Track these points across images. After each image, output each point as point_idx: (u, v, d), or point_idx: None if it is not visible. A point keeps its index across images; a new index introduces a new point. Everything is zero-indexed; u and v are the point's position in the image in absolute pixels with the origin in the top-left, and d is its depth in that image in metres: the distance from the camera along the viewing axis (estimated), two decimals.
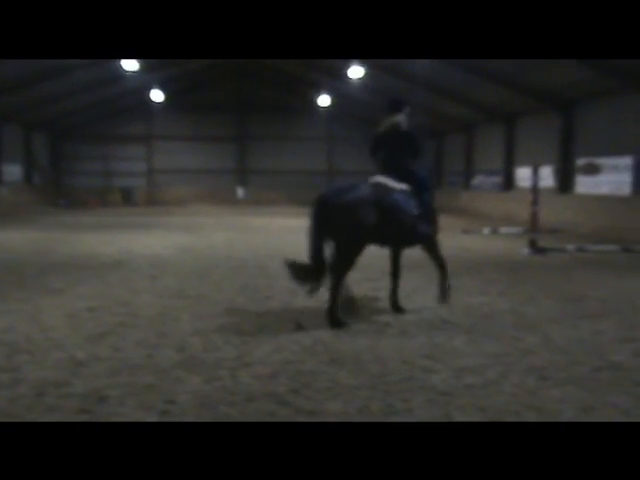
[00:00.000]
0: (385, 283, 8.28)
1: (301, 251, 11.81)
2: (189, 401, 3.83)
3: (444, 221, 15.36)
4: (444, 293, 6.79)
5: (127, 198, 33.55)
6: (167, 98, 31.72)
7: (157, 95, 30.73)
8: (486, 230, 16.76)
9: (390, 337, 5.45)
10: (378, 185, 6.12)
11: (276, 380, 4.25)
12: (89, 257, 10.86)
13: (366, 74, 23.14)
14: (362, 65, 22.24)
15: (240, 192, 35.05)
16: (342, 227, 5.79)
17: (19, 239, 13.86)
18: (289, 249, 12.29)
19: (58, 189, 32.46)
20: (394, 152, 6.48)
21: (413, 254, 11.57)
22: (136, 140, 34.43)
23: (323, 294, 6.14)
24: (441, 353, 4.96)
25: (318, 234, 5.88)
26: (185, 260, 10.56)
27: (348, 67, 22.73)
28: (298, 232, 14.82)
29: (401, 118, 6.54)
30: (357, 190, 5.91)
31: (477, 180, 27.70)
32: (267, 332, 5.60)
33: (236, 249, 12.26)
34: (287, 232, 16.39)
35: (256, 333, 5.55)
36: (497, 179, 25.37)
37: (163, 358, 4.75)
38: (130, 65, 22.58)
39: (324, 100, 31.63)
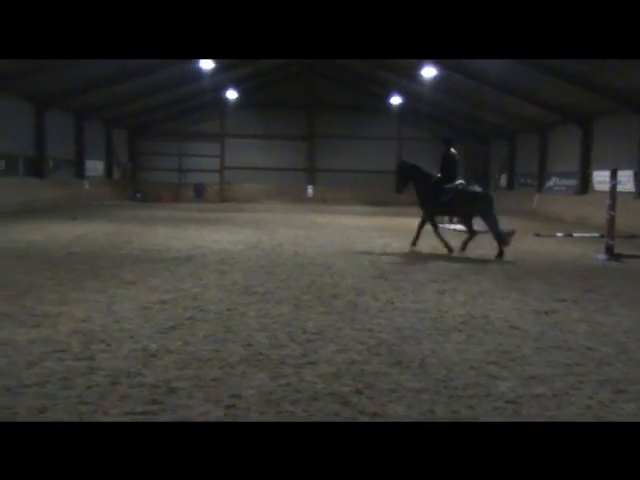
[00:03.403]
0: (452, 285, 8.18)
1: (368, 250, 11.87)
2: (254, 397, 3.90)
3: (515, 224, 14.96)
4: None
5: (199, 194, 34.40)
6: (240, 96, 32.34)
7: (230, 93, 31.40)
8: (559, 234, 16.26)
9: (456, 342, 5.38)
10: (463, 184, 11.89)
11: (340, 380, 4.27)
12: (161, 251, 11.20)
13: (438, 74, 22.89)
14: (435, 65, 21.99)
15: (309, 190, 35.30)
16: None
17: (97, 231, 14.44)
18: (356, 248, 12.29)
19: (134, 184, 33.63)
20: (456, 168, 11.96)
21: (478, 258, 11.33)
22: (209, 137, 35.22)
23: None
24: (508, 360, 4.85)
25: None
26: (253, 256, 10.73)
27: (419, 67, 22.53)
28: (365, 231, 14.86)
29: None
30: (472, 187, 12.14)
31: (550, 182, 26.89)
32: (332, 331, 5.62)
33: (303, 247, 12.36)
34: (354, 231, 16.40)
35: (321, 332, 5.59)
36: (572, 182, 24.55)
37: (230, 353, 4.85)
38: (206, 64, 23.15)
39: (394, 99, 31.46)
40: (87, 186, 28.39)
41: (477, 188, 12.11)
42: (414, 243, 11.83)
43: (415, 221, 20.44)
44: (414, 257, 11.18)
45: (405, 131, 35.51)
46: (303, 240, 13.69)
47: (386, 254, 11.57)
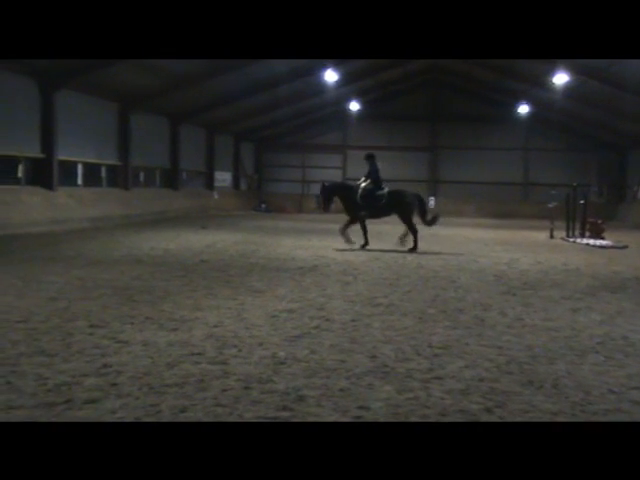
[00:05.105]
0: (586, 303, 7.74)
1: (494, 264, 11.50)
2: (382, 409, 3.90)
3: (632, 239, 13.87)
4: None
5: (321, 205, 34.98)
6: (362, 108, 32.66)
7: (353, 105, 31.79)
8: None
9: (593, 363, 5.08)
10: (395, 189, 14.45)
11: (469, 397, 4.17)
12: (286, 260, 11.50)
13: (570, 80, 21.87)
14: (568, 71, 21.03)
15: (431, 202, 34.85)
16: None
17: (226, 240, 15.10)
18: (480, 262, 11.96)
19: (260, 195, 34.85)
20: (380, 177, 14.31)
21: (616, 276, 10.63)
22: (332, 149, 35.81)
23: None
24: None
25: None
26: (375, 268, 10.75)
27: (549, 74, 21.65)
28: (489, 244, 14.46)
29: None
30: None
31: None
32: (459, 346, 5.51)
33: (426, 259, 12.21)
34: (478, 244, 15.98)
35: (448, 346, 5.49)
36: None
37: (356, 364, 4.88)
38: (330, 77, 23.60)
39: (522, 108, 30.42)
40: (216, 196, 29.80)
41: (407, 193, 14.38)
42: (366, 243, 13.87)
43: (542, 234, 19.76)
44: (544, 272, 10.70)
45: (533, 141, 34.18)
46: (425, 252, 13.52)
47: (513, 268, 11.17)
